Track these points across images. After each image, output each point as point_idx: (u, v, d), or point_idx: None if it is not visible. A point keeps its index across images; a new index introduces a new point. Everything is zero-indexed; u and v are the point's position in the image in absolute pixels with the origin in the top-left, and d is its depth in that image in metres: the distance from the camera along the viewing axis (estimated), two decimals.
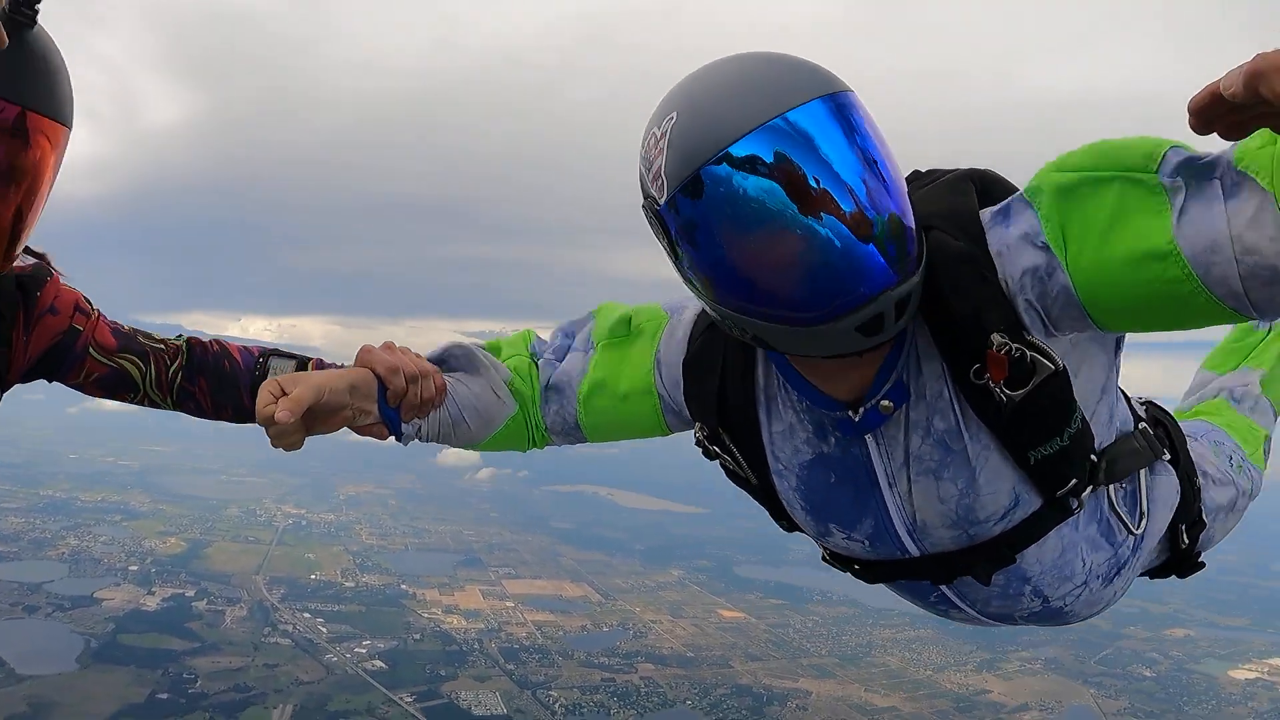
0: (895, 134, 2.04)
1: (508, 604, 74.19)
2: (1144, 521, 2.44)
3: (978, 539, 2.28)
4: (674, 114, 1.90)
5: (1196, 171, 1.81)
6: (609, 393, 2.62)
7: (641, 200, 2.03)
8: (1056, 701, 63.57)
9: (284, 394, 2.15)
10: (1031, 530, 2.27)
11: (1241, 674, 66.41)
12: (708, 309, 2.13)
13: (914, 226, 1.92)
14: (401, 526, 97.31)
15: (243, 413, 2.80)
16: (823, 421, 2.27)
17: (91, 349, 2.66)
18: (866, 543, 2.38)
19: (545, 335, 2.85)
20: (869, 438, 2.23)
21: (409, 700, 54.18)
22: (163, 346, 2.78)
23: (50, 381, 2.70)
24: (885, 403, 2.16)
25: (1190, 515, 2.63)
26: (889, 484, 2.27)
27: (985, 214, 2.07)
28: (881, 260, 1.87)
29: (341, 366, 2.64)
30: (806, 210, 1.81)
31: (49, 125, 2.10)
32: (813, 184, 1.81)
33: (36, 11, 2.01)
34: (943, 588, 2.46)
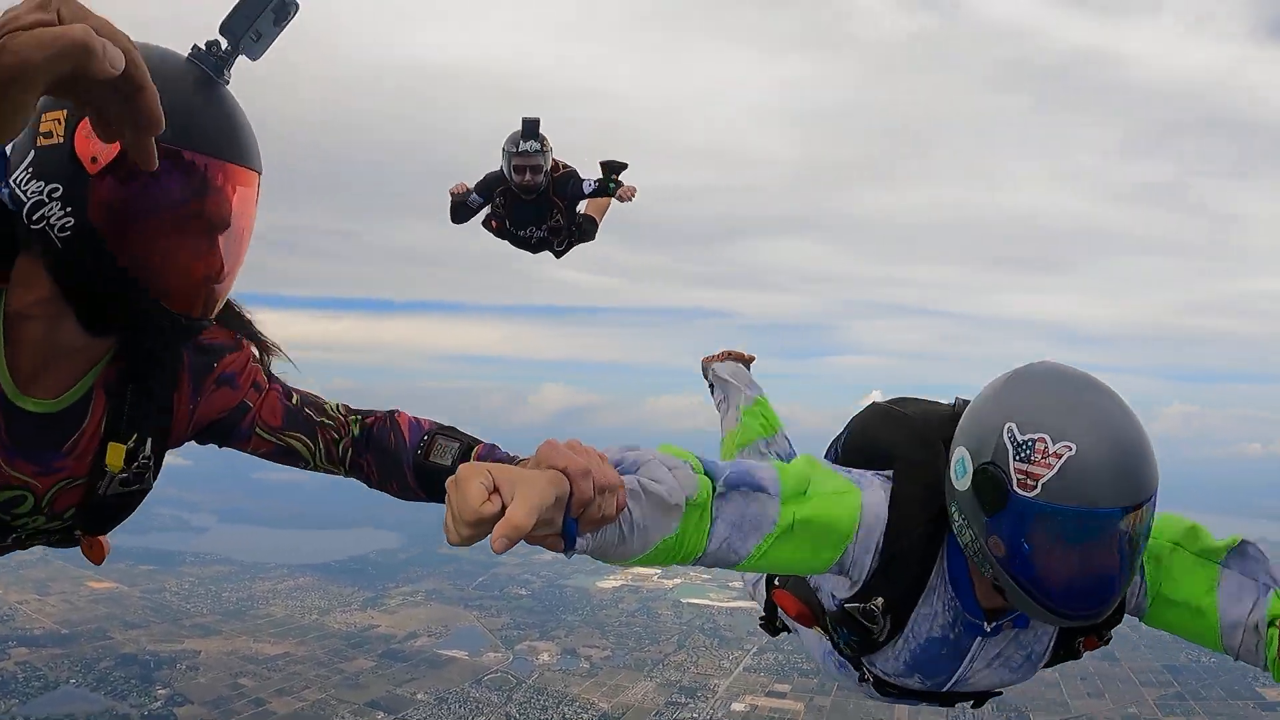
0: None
1: None
2: None
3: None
4: (1078, 443, 2.37)
5: (1249, 567, 2.73)
6: (791, 548, 2.60)
7: (997, 475, 2.45)
8: (444, 627, 69.03)
9: (497, 491, 1.73)
10: None
11: (609, 584, 76.83)
12: (988, 563, 2.55)
13: None
14: None
15: (406, 490, 2.76)
16: (959, 618, 2.85)
17: (258, 427, 2.66)
18: (926, 683, 3.05)
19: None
20: (983, 636, 2.88)
21: None
22: (332, 423, 2.74)
23: (221, 447, 2.70)
24: (1008, 624, 2.86)
25: None
26: (971, 658, 2.93)
27: None
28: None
29: (513, 458, 2.62)
30: (1129, 563, 2.48)
31: (239, 173, 2.14)
32: (1140, 543, 2.48)
33: (228, 76, 2.17)
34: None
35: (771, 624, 3.64)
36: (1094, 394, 2.48)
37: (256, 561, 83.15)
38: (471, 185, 8.55)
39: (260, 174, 2.21)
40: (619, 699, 58.11)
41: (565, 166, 8.48)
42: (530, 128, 8.07)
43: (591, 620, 68.37)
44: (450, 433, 2.76)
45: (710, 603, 73.76)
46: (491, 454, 2.70)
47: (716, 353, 5.58)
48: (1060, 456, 2.36)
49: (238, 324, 2.63)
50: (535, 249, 8.86)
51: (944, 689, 3.06)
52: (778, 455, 4.55)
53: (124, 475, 2.37)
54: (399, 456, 2.71)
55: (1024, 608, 2.57)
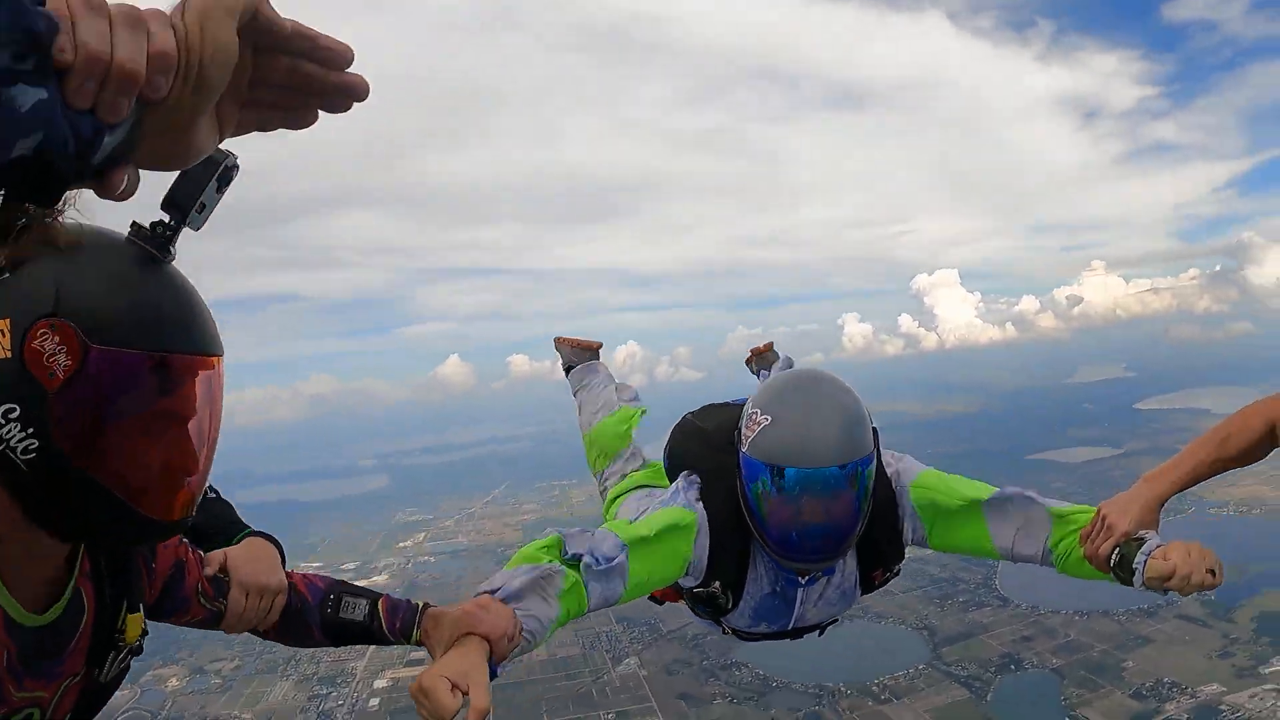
0: None
1: None
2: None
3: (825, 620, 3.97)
4: (774, 416, 3.34)
5: (1007, 491, 3.58)
6: (650, 577, 3.39)
7: (746, 447, 3.39)
8: None
9: (455, 687, 2.33)
10: None
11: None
12: (756, 520, 3.46)
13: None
14: None
15: (307, 641, 2.83)
16: (779, 576, 3.67)
17: (200, 594, 2.52)
18: (773, 627, 3.88)
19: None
20: (800, 586, 3.70)
21: None
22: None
23: (158, 621, 2.47)
24: (820, 575, 3.68)
25: None
26: (800, 603, 3.74)
27: (898, 494, 3.71)
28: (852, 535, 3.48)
29: (408, 602, 2.83)
30: (860, 511, 3.40)
31: (204, 361, 1.94)
32: (863, 497, 3.37)
33: (174, 253, 1.90)
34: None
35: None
36: (811, 384, 3.43)
37: None
38: None
39: (223, 355, 2.01)
40: (260, 705, 56.60)
41: None
42: None
43: (213, 635, 54.16)
44: (351, 589, 2.85)
45: None
46: (395, 608, 2.81)
47: (568, 337, 5.76)
48: (759, 425, 3.32)
49: None
50: None
51: (788, 628, 3.89)
52: (634, 470, 4.92)
53: (134, 645, 2.29)
54: (304, 618, 2.77)
55: (769, 553, 3.50)
